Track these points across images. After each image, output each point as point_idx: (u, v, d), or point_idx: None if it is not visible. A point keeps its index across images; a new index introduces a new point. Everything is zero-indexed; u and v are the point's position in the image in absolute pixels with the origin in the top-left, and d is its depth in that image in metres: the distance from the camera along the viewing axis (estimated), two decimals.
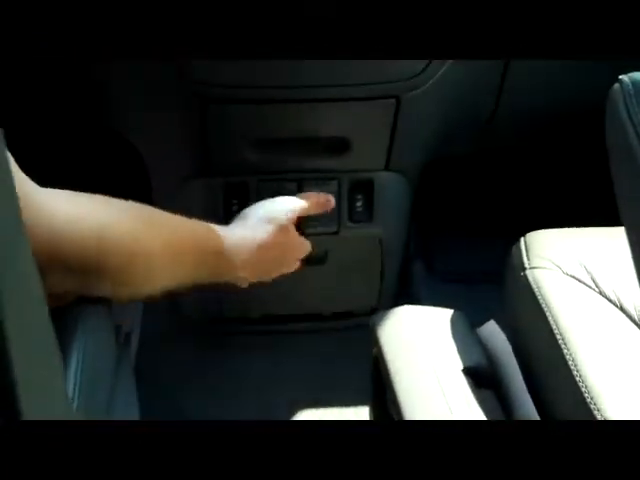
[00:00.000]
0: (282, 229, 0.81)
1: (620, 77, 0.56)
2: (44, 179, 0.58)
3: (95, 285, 0.62)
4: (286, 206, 0.84)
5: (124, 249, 0.61)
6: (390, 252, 1.21)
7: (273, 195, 1.07)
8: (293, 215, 0.83)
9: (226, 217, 0.86)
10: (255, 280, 0.82)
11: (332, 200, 0.91)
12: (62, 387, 0.43)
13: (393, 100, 1.00)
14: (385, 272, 1.24)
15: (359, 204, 1.13)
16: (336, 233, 1.13)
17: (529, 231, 0.87)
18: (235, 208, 1.08)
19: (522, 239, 0.86)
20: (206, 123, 1.00)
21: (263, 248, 0.79)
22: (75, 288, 0.62)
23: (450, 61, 0.99)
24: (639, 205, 0.52)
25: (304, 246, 0.89)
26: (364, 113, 1.02)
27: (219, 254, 0.75)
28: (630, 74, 0.56)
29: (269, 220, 0.81)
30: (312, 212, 0.89)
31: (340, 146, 1.06)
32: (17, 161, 0.51)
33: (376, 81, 0.97)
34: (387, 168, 1.11)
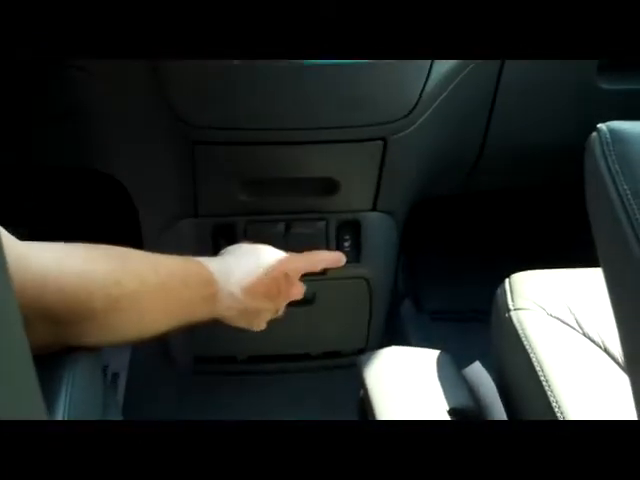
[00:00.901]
0: (269, 278, 0.82)
1: (598, 126, 0.57)
2: (35, 220, 0.59)
3: (82, 334, 0.62)
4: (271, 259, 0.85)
5: (107, 292, 0.61)
6: (378, 292, 1.21)
7: (261, 235, 1.08)
8: (282, 268, 0.84)
9: None
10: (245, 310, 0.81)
11: (343, 259, 0.95)
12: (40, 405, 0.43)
13: (380, 142, 1.01)
14: (373, 312, 1.24)
15: (347, 244, 1.13)
16: (324, 273, 1.14)
17: (518, 270, 0.87)
18: (224, 249, 1.09)
19: (507, 280, 0.86)
20: (193, 165, 1.00)
21: (250, 290, 0.80)
22: (62, 339, 0.61)
23: (437, 103, 1.00)
24: (615, 251, 0.53)
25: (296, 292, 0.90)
26: (351, 155, 1.03)
27: (209, 283, 0.75)
28: (608, 123, 0.56)
29: (258, 266, 0.82)
30: (317, 269, 0.91)
31: (328, 187, 1.06)
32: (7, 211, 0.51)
33: (363, 124, 0.98)
34: (374, 209, 1.11)
